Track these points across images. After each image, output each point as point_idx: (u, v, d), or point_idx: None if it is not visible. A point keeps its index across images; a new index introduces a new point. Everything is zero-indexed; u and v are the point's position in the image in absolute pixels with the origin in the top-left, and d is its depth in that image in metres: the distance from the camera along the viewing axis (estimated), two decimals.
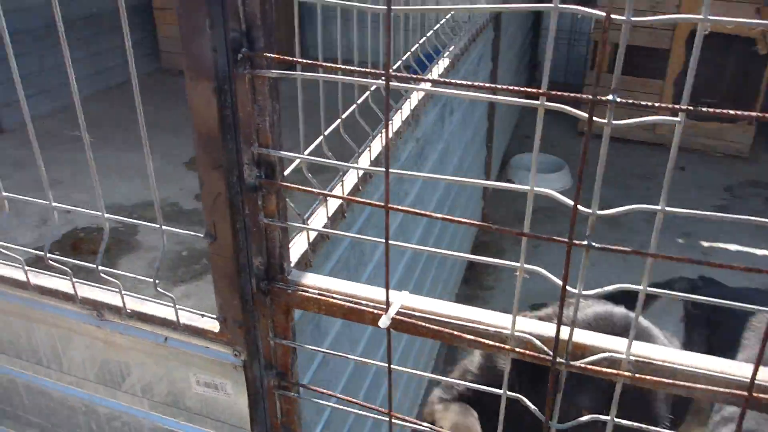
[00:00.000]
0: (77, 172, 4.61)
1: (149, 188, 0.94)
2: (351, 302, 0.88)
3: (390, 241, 0.81)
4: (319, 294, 0.90)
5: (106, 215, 0.96)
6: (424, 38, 2.28)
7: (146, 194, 4.33)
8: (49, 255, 1.02)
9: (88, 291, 1.05)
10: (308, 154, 1.06)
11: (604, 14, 0.62)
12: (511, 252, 4.01)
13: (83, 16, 5.78)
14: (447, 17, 2.76)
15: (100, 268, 0.98)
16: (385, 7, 0.65)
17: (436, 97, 2.38)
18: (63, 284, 1.06)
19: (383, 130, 1.67)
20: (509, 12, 4.20)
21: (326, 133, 1.16)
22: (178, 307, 0.99)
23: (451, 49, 2.61)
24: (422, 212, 0.75)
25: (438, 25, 2.57)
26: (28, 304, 1.11)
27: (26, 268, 1.07)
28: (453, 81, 0.68)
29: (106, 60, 6.09)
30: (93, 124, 5.31)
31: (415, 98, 2.00)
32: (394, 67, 1.88)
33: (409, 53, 2.10)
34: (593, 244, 0.70)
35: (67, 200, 4.36)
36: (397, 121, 1.82)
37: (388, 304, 0.85)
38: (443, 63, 2.46)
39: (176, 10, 0.74)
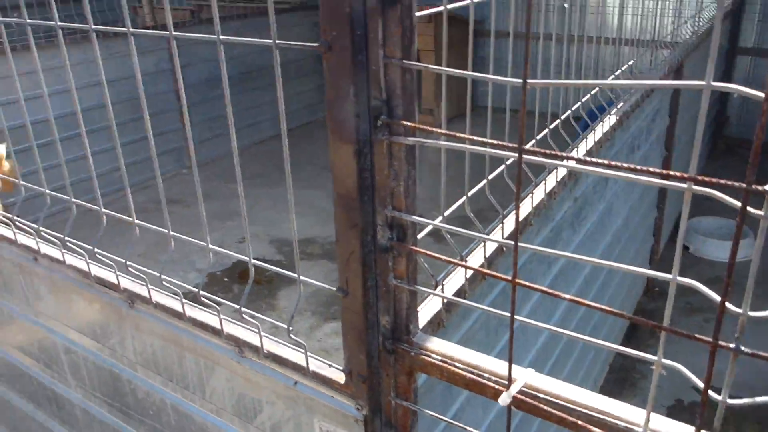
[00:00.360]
0: (253, 205, 5.00)
1: (317, 225, 0.98)
2: (473, 373, 0.86)
3: (516, 316, 0.78)
4: (441, 360, 0.89)
5: (253, 261, 1.02)
6: (596, 89, 2.20)
7: (313, 231, 4.58)
8: (201, 292, 1.11)
9: (232, 328, 1.12)
10: (449, 216, 1.06)
11: (762, 95, 0.56)
12: (680, 323, 3.68)
13: (272, 64, 6.34)
14: (623, 68, 2.65)
15: (243, 309, 1.05)
16: (521, 80, 0.64)
17: (599, 155, 2.28)
18: (212, 319, 1.15)
19: (533, 190, 1.63)
20: (692, 62, 3.94)
21: (469, 194, 1.16)
22: (309, 354, 1.02)
23: (620, 106, 2.49)
24: (550, 291, 0.71)
25: (613, 76, 2.48)
26: (182, 333, 1.20)
27: (183, 301, 1.17)
28: (591, 159, 0.64)
29: (290, 103, 6.61)
30: (274, 161, 5.78)
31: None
32: (563, 117, 1.84)
33: (579, 103, 2.04)
34: (742, 348, 0.62)
35: (239, 231, 4.76)
36: (551, 181, 1.76)
37: (510, 380, 0.81)
38: (610, 120, 2.36)
39: (325, 78, 0.78)
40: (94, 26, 1.05)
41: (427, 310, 1.13)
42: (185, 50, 5.66)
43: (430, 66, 0.72)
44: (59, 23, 1.13)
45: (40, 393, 1.79)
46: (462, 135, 0.70)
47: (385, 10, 0.73)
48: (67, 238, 1.35)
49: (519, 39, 6.80)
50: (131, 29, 1.00)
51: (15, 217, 1.47)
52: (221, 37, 0.88)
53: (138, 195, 4.97)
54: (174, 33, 0.93)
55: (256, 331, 1.08)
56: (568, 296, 0.70)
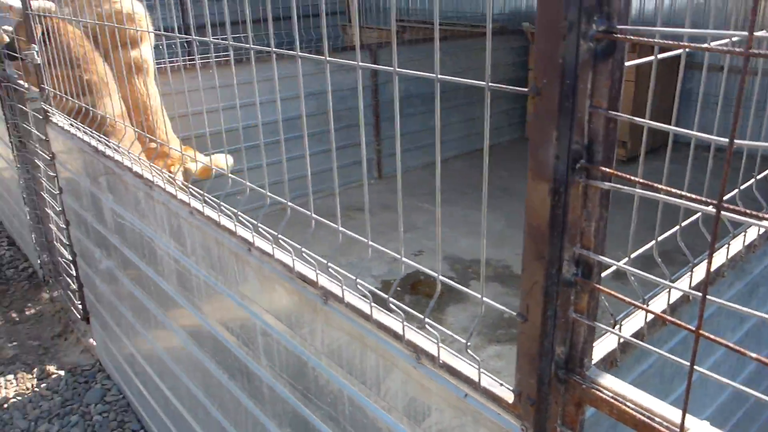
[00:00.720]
0: (432, 221, 5.17)
1: (490, 247, 1.06)
2: (644, 415, 0.88)
3: (696, 367, 0.79)
4: (612, 397, 0.91)
5: (441, 277, 1.11)
6: None
7: (486, 252, 4.63)
8: (390, 299, 1.22)
9: (413, 335, 1.23)
10: (634, 258, 1.08)
11: None
12: None
13: (463, 86, 6.50)
14: None
15: (426, 320, 1.14)
16: (727, 140, 0.67)
17: None
18: (395, 324, 1.26)
19: (731, 241, 1.56)
20: None
21: (659, 239, 1.16)
22: (481, 370, 1.09)
23: None
24: (734, 347, 0.72)
25: None
26: (367, 333, 1.33)
27: (372, 304, 1.30)
28: None
29: (477, 126, 6.73)
30: (455, 180, 5.93)
31: None
32: None
33: None
34: None
35: (416, 244, 4.95)
36: (751, 233, 1.67)
37: (683, 429, 0.82)
38: None
39: (530, 122, 0.85)
40: (329, 58, 1.21)
41: (602, 348, 1.15)
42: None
43: (635, 118, 0.76)
44: (274, 49, 1.33)
45: (235, 366, 2.04)
46: (659, 186, 0.74)
47: (597, 63, 0.79)
48: (279, 236, 1.54)
49: (733, 73, 6.33)
50: (360, 63, 1.14)
51: (238, 212, 1.71)
52: (439, 76, 0.98)
53: (329, 200, 5.38)
54: (398, 70, 1.05)
55: (435, 341, 1.17)
56: (753, 355, 0.70)
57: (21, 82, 3.68)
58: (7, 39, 3.85)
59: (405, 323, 1.23)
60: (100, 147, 2.61)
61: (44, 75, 3.24)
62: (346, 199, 5.57)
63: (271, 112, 5.16)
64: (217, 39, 1.61)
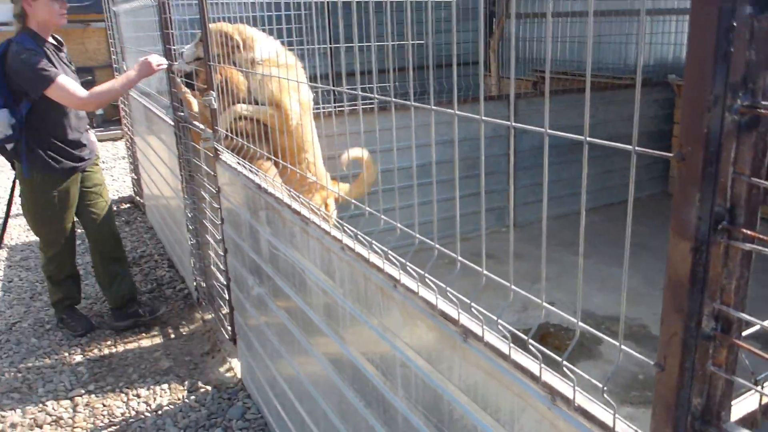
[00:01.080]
0: (562, 273, 5.11)
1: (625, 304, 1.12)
2: None
3: None
4: None
5: (580, 323, 1.19)
6: None
7: (618, 309, 4.51)
8: (530, 341, 1.31)
9: (549, 377, 1.30)
10: None
11: None
12: None
13: (601, 138, 6.43)
14: None
15: (564, 363, 1.22)
16: None
17: None
18: (532, 366, 1.34)
19: None
20: None
21: None
22: (616, 415, 1.15)
23: None
24: None
25: None
26: (504, 372, 1.42)
27: (510, 344, 1.39)
28: None
29: (614, 179, 6.59)
30: (588, 233, 5.83)
31: None
32: None
33: None
34: None
35: (546, 296, 4.90)
36: None
37: None
38: None
39: (677, 185, 0.93)
40: (483, 117, 1.35)
41: (741, 408, 1.16)
42: (523, 119, 6.09)
43: None
44: (433, 107, 1.47)
45: (371, 395, 2.18)
46: None
47: (740, 134, 0.86)
48: (426, 275, 1.68)
49: None
50: (513, 124, 1.27)
51: (389, 251, 1.87)
52: (588, 138, 1.08)
53: (460, 245, 5.49)
54: (549, 131, 1.17)
55: (572, 385, 1.24)
56: None
57: (196, 123, 4.16)
58: (188, 69, 4.30)
59: (542, 365, 1.31)
60: (263, 184, 2.91)
61: (218, 118, 3.66)
62: (476, 246, 5.64)
63: (408, 157, 5.40)
64: (376, 95, 1.80)
